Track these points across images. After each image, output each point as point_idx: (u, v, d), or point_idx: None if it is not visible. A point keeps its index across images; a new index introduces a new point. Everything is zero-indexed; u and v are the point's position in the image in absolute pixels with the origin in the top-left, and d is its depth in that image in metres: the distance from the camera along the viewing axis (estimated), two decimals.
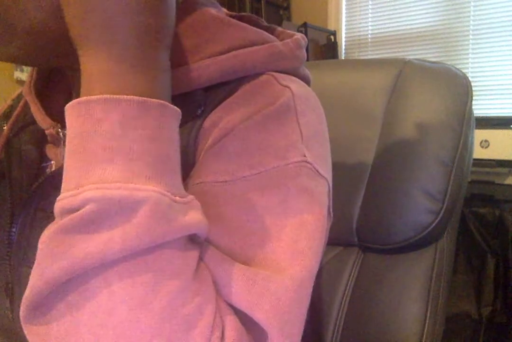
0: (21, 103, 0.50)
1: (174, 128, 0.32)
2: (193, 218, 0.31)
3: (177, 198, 0.30)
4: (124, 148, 0.29)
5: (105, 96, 0.29)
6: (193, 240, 0.33)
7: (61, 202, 0.29)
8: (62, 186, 0.30)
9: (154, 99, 0.31)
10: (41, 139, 0.46)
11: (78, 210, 0.28)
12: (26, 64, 0.43)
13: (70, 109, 0.30)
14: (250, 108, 0.39)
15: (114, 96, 0.29)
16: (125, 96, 0.30)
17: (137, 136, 0.29)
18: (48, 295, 0.28)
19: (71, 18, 0.31)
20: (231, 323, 0.31)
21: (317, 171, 0.40)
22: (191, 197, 0.32)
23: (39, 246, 0.29)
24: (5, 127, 0.48)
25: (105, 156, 0.29)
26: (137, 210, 0.28)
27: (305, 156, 0.39)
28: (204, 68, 0.40)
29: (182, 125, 0.40)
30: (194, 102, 0.40)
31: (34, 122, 0.46)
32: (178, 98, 0.40)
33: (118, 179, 0.28)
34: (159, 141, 0.30)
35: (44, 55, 0.39)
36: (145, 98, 0.30)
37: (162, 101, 0.31)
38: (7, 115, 0.51)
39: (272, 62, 0.42)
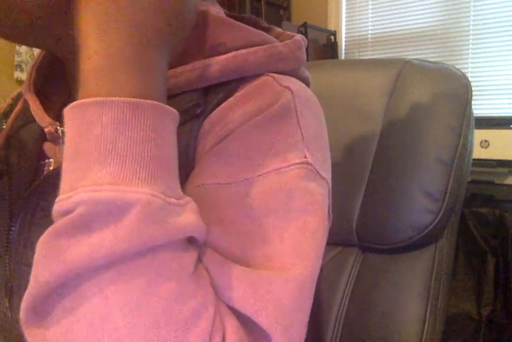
0: (20, 102, 0.50)
1: (170, 129, 0.32)
2: (188, 220, 0.30)
3: (172, 200, 0.30)
4: (117, 150, 0.29)
5: (97, 99, 0.30)
6: (191, 243, 0.32)
7: (57, 204, 0.29)
8: (60, 188, 0.30)
9: (147, 101, 0.30)
10: (40, 138, 0.46)
11: (70, 213, 0.28)
12: (18, 42, 0.45)
13: (67, 113, 0.31)
14: (250, 109, 0.39)
15: (106, 98, 0.30)
16: (117, 98, 0.30)
17: (131, 138, 0.29)
18: (45, 299, 0.28)
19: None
20: (233, 327, 0.31)
21: (318, 172, 0.39)
22: (188, 198, 0.32)
23: (36, 249, 0.29)
24: (4, 126, 0.48)
25: (99, 159, 0.29)
26: (127, 212, 0.28)
27: (306, 157, 0.38)
28: (204, 68, 0.40)
29: (181, 125, 0.40)
30: (193, 102, 0.40)
31: (33, 120, 0.46)
32: (177, 97, 0.40)
33: (109, 181, 0.28)
34: (155, 142, 0.30)
35: (36, 35, 0.39)
36: (138, 100, 0.30)
37: (155, 102, 0.31)
38: (6, 114, 0.51)
39: (272, 63, 0.42)
